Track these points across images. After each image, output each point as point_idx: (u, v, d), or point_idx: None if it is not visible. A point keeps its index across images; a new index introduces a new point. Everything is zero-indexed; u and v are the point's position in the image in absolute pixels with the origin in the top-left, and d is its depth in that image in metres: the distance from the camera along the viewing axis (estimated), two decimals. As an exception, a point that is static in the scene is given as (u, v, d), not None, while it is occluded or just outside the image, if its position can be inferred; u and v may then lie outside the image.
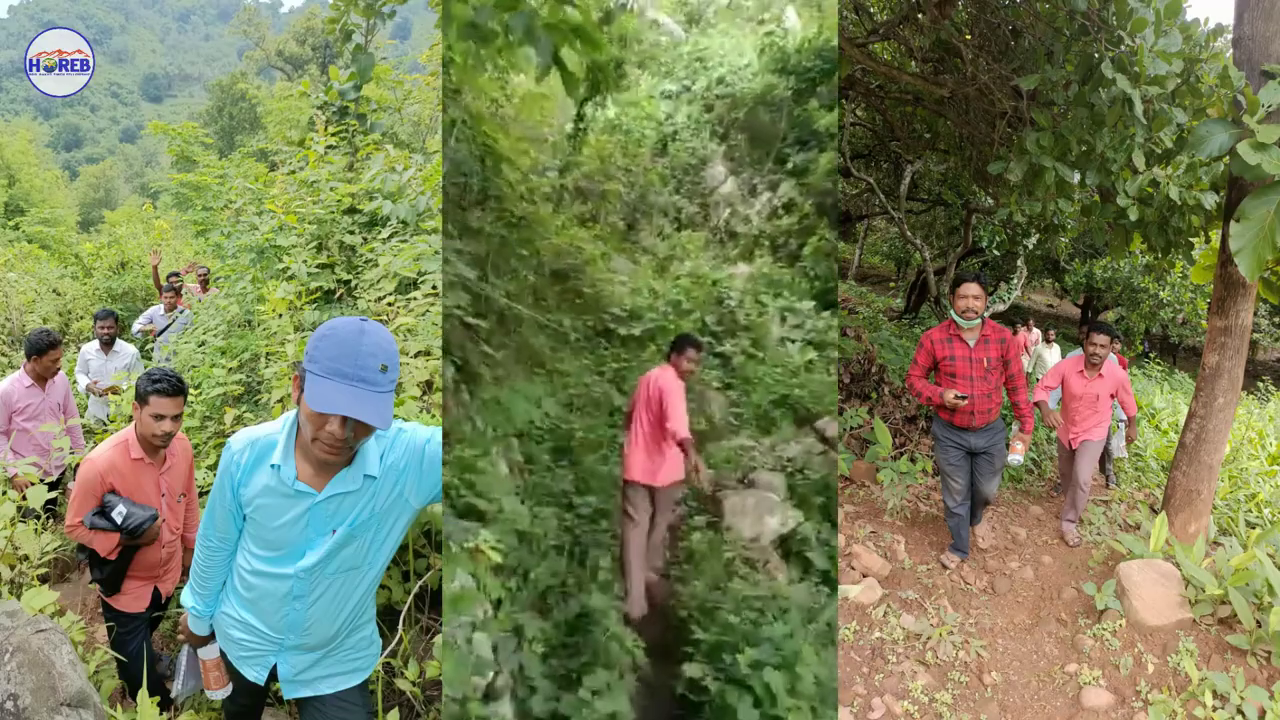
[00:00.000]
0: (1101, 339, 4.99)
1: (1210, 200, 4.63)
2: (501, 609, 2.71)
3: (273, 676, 2.06)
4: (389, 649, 2.61)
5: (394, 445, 1.90)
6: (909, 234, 9.48)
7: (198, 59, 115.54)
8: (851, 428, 6.36)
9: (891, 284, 21.19)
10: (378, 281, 4.03)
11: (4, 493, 3.22)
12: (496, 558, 2.62)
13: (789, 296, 5.58)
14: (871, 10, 6.98)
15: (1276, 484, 6.32)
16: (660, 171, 6.36)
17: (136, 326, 7.06)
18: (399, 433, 1.92)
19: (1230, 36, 4.41)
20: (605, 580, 3.21)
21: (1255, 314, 5.19)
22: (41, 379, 4.38)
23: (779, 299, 5.56)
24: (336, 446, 1.74)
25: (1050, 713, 3.41)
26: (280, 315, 3.86)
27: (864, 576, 4.30)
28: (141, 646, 2.93)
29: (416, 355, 3.40)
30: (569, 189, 5.65)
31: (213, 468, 3.52)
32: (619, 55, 6.42)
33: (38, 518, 3.25)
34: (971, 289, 4.11)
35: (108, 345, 5.72)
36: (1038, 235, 8.99)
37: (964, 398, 4.08)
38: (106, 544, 2.81)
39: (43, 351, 4.30)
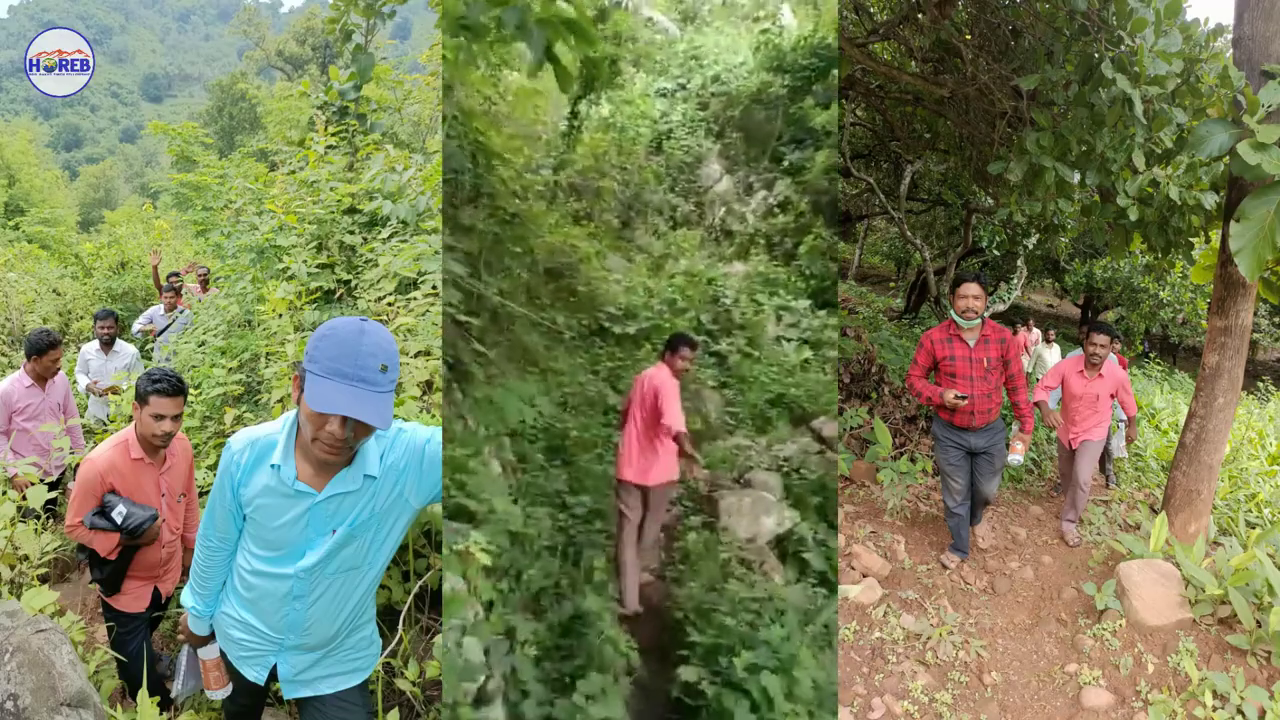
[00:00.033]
0: (1101, 339, 4.99)
1: (1210, 200, 4.63)
2: (493, 611, 2.67)
3: (273, 676, 2.06)
4: (389, 649, 2.60)
5: (394, 445, 1.90)
6: (909, 234, 9.48)
7: (198, 59, 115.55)
8: (851, 428, 6.36)
9: (891, 284, 21.19)
10: (378, 281, 4.03)
11: (4, 493, 3.22)
12: (486, 560, 2.58)
13: (785, 295, 5.58)
14: (871, 10, 6.98)
15: (1276, 484, 6.31)
16: (655, 169, 6.35)
17: (136, 326, 7.06)
18: (399, 433, 1.92)
19: (1230, 36, 4.41)
20: (600, 581, 3.18)
21: (1255, 314, 5.19)
22: (41, 379, 4.38)
23: (775, 298, 5.56)
24: (336, 446, 1.74)
25: (1050, 713, 3.41)
26: (280, 315, 3.86)
27: (864, 576, 4.30)
28: (141, 646, 2.93)
29: (416, 355, 3.39)
30: (563, 186, 5.64)
31: (213, 468, 3.52)
32: (614, 52, 6.42)
33: (38, 518, 3.25)
34: (971, 289, 4.11)
35: (108, 345, 5.72)
36: (1038, 235, 8.99)
37: (964, 398, 4.08)
38: (106, 544, 2.81)
39: (43, 351, 4.30)
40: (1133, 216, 4.92)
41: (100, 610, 3.15)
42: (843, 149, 8.85)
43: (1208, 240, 5.23)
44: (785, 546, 3.76)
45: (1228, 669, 3.47)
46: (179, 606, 2.76)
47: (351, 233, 4.65)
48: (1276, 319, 16.36)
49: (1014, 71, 4.95)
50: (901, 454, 6.08)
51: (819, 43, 6.53)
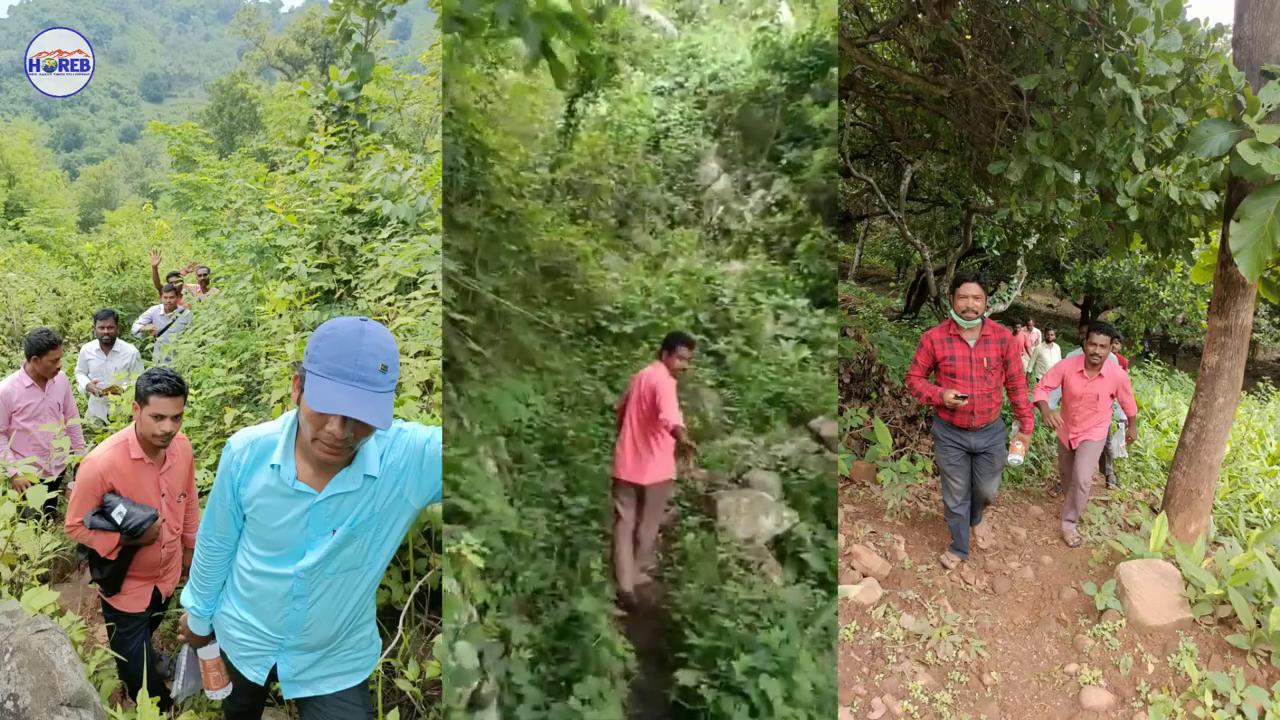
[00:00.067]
0: (1101, 339, 4.99)
1: (1210, 200, 4.63)
2: (487, 614, 2.63)
3: (273, 676, 2.06)
4: (389, 649, 2.60)
5: (394, 445, 1.90)
6: (909, 234, 9.48)
7: (198, 59, 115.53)
8: (851, 428, 6.36)
9: (891, 284, 21.19)
10: (378, 281, 4.03)
11: (4, 493, 3.22)
12: (478, 563, 2.53)
13: (783, 294, 5.57)
14: (871, 10, 6.98)
15: (1276, 484, 6.31)
16: (653, 168, 6.34)
17: (136, 326, 7.06)
18: (399, 433, 1.92)
19: (1230, 36, 4.41)
20: (597, 583, 3.14)
21: (1255, 314, 5.19)
22: (41, 379, 4.38)
23: (773, 296, 5.55)
24: (336, 446, 1.74)
25: (1050, 713, 3.41)
26: (280, 315, 3.86)
27: (864, 576, 4.30)
28: (141, 646, 2.93)
29: (416, 355, 3.39)
30: (560, 184, 5.63)
31: (213, 468, 3.52)
32: (611, 50, 6.41)
33: (38, 518, 3.25)
34: (971, 289, 4.11)
35: (108, 345, 5.72)
36: (1038, 235, 8.99)
37: (964, 398, 4.08)
38: (106, 544, 2.81)
39: (43, 351, 4.30)
40: (1133, 216, 4.92)
41: (100, 610, 3.15)
42: (843, 149, 8.85)
43: (1208, 240, 5.23)
44: (784, 547, 3.73)
45: (1228, 669, 3.47)
46: (179, 606, 2.76)
47: (351, 233, 4.65)
48: (1276, 319, 16.36)
49: (1014, 71, 4.95)
50: (901, 454, 6.08)
51: (817, 40, 6.52)
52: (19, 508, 3.09)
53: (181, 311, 6.91)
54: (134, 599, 2.97)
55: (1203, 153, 3.76)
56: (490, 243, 4.45)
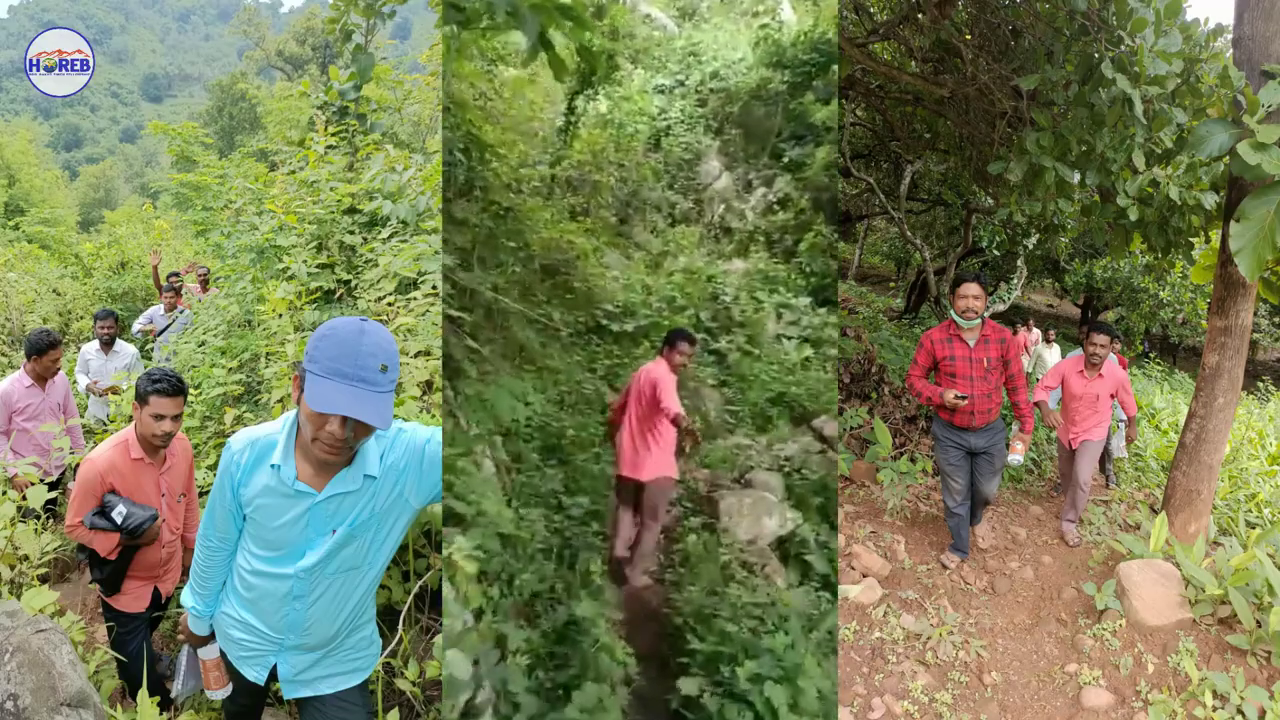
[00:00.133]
0: (1101, 339, 4.99)
1: (1210, 200, 4.63)
2: (482, 619, 2.55)
3: (273, 676, 2.06)
4: (389, 649, 2.60)
5: (394, 445, 1.90)
6: (909, 234, 9.48)
7: (198, 59, 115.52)
8: (851, 428, 6.36)
9: (891, 284, 21.19)
10: (378, 281, 4.03)
11: (4, 493, 3.22)
12: (471, 568, 2.45)
13: (785, 293, 5.54)
14: (871, 10, 6.98)
15: (1276, 484, 6.31)
16: (654, 166, 6.32)
17: (136, 326, 7.06)
18: (399, 433, 1.92)
19: (1230, 36, 4.41)
20: (596, 586, 3.07)
21: (1255, 314, 5.19)
22: (41, 379, 4.38)
23: (775, 295, 5.53)
24: (336, 446, 1.74)
25: (1050, 713, 3.41)
26: (280, 315, 3.86)
27: (864, 576, 4.30)
28: (141, 646, 2.93)
29: (416, 355, 3.39)
30: (559, 182, 5.60)
31: (213, 468, 3.52)
32: (612, 47, 6.39)
33: (38, 518, 3.25)
34: (971, 289, 4.11)
35: (108, 345, 5.72)
36: (1038, 235, 8.99)
37: (964, 398, 4.08)
38: (106, 544, 2.81)
39: (43, 351, 4.30)
40: (1133, 216, 4.92)
41: (100, 610, 3.15)
42: (843, 149, 8.85)
43: (1208, 240, 5.23)
44: (787, 548, 3.70)
45: (1228, 669, 3.47)
46: (179, 606, 2.76)
47: (351, 233, 4.65)
48: (1276, 319, 16.36)
49: (1014, 71, 4.95)
50: (901, 454, 6.08)
51: (819, 38, 6.50)
52: (19, 508, 3.09)
53: (181, 311, 6.91)
54: (134, 599, 2.97)
55: (1203, 153, 3.76)
56: (488, 239, 4.43)
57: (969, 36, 5.41)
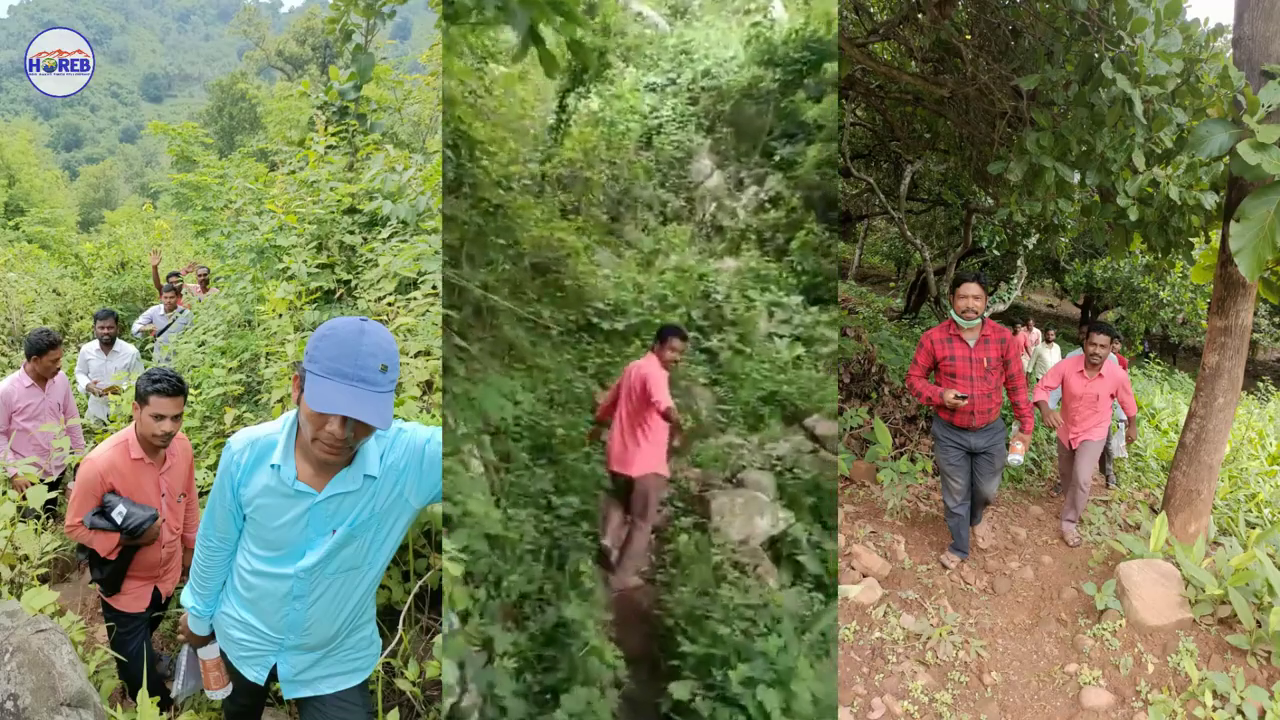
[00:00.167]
0: (1101, 339, 4.99)
1: (1210, 200, 4.63)
2: (469, 622, 2.49)
3: (273, 676, 2.06)
4: (389, 649, 2.60)
5: (394, 445, 1.90)
6: (909, 234, 9.48)
7: (198, 59, 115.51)
8: (851, 428, 6.36)
9: (891, 284, 21.19)
10: (378, 281, 4.03)
11: (4, 493, 3.22)
12: (455, 570, 2.39)
13: (776, 291, 5.53)
14: (871, 10, 6.98)
15: (1276, 484, 6.31)
16: (645, 164, 6.31)
17: (136, 326, 7.06)
18: (399, 433, 1.92)
19: (1230, 36, 4.41)
20: (586, 587, 3.00)
21: (1255, 314, 5.19)
22: (41, 379, 4.38)
23: (766, 293, 5.51)
24: (336, 446, 1.74)
25: (1050, 713, 3.41)
26: (280, 315, 3.86)
27: (864, 576, 4.30)
28: (141, 646, 2.93)
29: (416, 355, 3.39)
30: (550, 179, 5.58)
31: (213, 468, 3.52)
32: (603, 45, 6.38)
33: (38, 518, 3.25)
34: (971, 289, 4.11)
35: (108, 345, 5.72)
36: (1038, 235, 8.99)
37: (964, 398, 4.08)
38: (106, 544, 2.81)
39: (43, 351, 4.30)
40: (1133, 216, 4.92)
41: (100, 610, 3.16)
42: (843, 149, 8.85)
43: (1208, 240, 5.23)
44: (779, 549, 3.67)
45: (1228, 669, 3.47)
46: (179, 606, 2.76)
47: (351, 233, 4.65)
48: (1276, 319, 16.36)
49: (1014, 71, 4.95)
50: (901, 454, 6.08)
51: (810, 36, 6.49)
52: (19, 508, 3.09)
53: (181, 311, 6.91)
54: (134, 599, 2.97)
55: (1203, 153, 3.76)
56: (478, 236, 4.41)
57: (969, 36, 5.41)
